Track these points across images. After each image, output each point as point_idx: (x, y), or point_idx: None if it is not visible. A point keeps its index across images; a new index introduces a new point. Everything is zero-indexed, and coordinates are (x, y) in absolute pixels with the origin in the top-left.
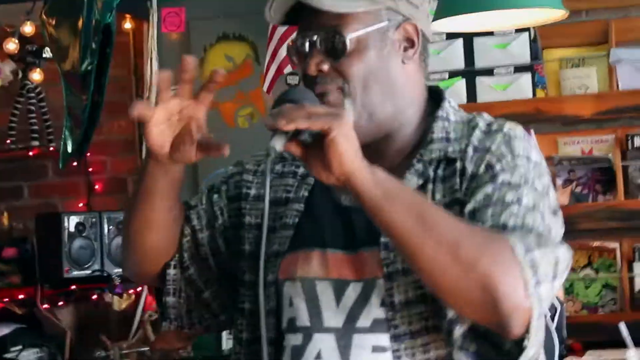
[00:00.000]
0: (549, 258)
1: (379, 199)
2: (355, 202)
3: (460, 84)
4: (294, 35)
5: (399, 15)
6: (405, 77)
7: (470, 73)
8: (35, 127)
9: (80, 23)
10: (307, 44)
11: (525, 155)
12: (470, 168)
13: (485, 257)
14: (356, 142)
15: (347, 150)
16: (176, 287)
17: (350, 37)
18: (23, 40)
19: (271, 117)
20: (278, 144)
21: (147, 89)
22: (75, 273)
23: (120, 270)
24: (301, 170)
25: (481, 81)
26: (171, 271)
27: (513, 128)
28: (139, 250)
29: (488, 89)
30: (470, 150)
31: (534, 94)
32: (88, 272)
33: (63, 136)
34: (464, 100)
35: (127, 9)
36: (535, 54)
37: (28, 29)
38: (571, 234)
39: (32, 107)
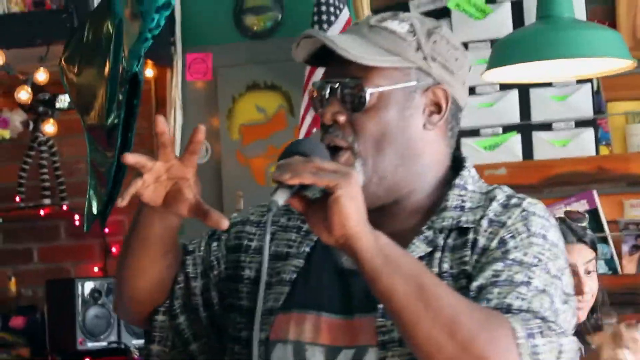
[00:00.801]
0: (553, 346)
1: (379, 266)
2: (355, 266)
3: (515, 139)
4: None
5: (429, 78)
6: (425, 142)
7: (526, 127)
8: (47, 184)
9: (106, 71)
10: (327, 91)
11: (542, 234)
12: (482, 241)
13: (483, 337)
14: (362, 205)
15: (351, 211)
16: (162, 335)
17: (372, 91)
18: (35, 88)
19: (277, 169)
20: (281, 198)
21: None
22: (90, 345)
23: (141, 342)
24: (306, 225)
25: (538, 136)
26: (159, 317)
27: (533, 204)
28: (130, 294)
29: (546, 145)
30: (485, 223)
31: (597, 151)
32: (104, 343)
33: (88, 196)
34: (520, 157)
35: (148, 55)
36: (598, 107)
37: (41, 76)
38: (639, 307)
39: (44, 162)
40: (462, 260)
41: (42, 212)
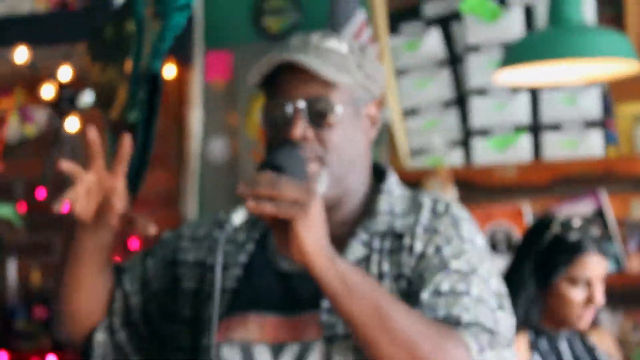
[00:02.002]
0: (499, 358)
1: (337, 292)
2: (297, 268)
3: (525, 139)
4: (273, 98)
5: (368, 93)
6: (364, 151)
7: (536, 128)
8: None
9: (127, 69)
10: (291, 109)
11: (471, 240)
12: (418, 247)
13: (440, 355)
14: (319, 232)
15: (307, 242)
16: (104, 352)
17: (341, 108)
18: (60, 85)
19: (245, 185)
20: (238, 219)
21: (189, 140)
22: None
23: None
24: (240, 238)
25: (548, 137)
26: (99, 335)
27: (459, 209)
28: (67, 313)
29: (555, 146)
30: (419, 230)
31: (605, 152)
32: None
33: None
34: (529, 157)
35: (170, 54)
36: (606, 109)
37: (65, 73)
38: None
39: (68, 157)
40: (400, 263)
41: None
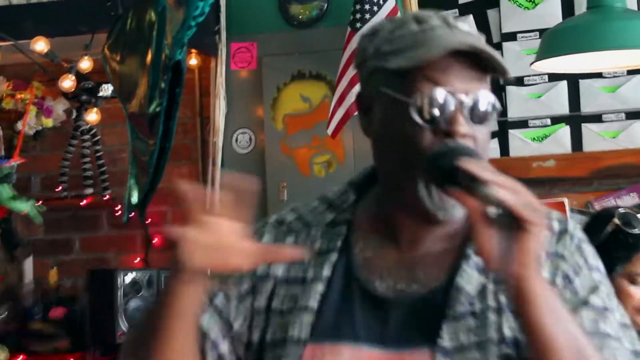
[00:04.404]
0: None
1: (543, 316)
2: (392, 292)
3: (564, 131)
4: (434, 87)
5: None
6: None
7: (575, 119)
8: (89, 173)
9: (148, 59)
10: (453, 102)
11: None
12: (545, 275)
13: None
14: (540, 247)
15: (536, 255)
16: None
17: (497, 103)
18: (79, 76)
19: (464, 162)
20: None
21: (213, 132)
22: None
23: None
24: (319, 245)
25: (588, 128)
26: None
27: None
28: None
29: (595, 137)
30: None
31: None
32: None
33: (128, 185)
34: (569, 148)
35: (192, 44)
36: None
37: (85, 64)
38: None
39: (86, 151)
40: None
41: (83, 202)
